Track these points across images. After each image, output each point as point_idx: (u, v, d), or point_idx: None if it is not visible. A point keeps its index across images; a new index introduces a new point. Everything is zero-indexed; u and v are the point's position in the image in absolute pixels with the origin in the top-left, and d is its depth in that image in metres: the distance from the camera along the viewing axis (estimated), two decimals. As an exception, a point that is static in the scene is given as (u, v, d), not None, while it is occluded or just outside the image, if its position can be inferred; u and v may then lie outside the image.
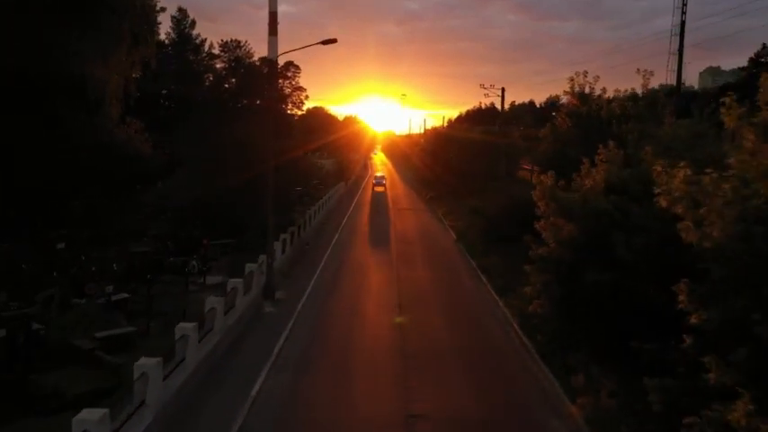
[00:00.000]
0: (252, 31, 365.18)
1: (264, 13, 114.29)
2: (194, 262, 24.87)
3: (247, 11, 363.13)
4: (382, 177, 75.37)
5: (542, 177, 18.06)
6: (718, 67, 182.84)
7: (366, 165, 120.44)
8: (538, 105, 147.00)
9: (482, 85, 53.72)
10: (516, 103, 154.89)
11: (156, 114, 59.01)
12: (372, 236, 38.75)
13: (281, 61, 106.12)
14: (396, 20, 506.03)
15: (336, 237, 37.96)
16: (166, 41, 63.97)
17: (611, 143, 17.70)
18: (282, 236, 29.59)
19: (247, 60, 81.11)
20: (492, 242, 32.47)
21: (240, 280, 20.53)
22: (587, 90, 27.06)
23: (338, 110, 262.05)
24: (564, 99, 31.87)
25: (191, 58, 68.73)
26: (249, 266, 22.75)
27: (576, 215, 16.18)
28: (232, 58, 77.39)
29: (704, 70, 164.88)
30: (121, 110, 30.89)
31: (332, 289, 25.78)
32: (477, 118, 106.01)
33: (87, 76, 26.52)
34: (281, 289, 25.02)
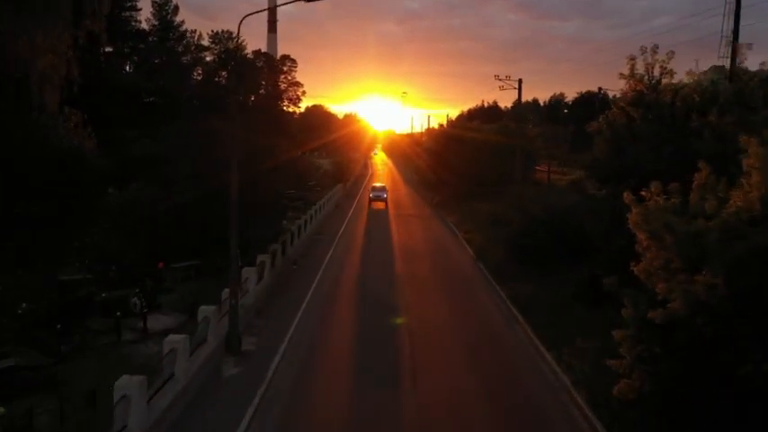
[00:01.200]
0: (252, 28, 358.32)
1: (264, 12, 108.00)
2: (135, 298, 18.14)
3: (247, 9, 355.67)
4: (383, 189, 55.53)
5: (645, 194, 11.35)
6: (723, 66, 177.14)
7: (366, 164, 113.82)
8: (542, 104, 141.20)
9: (497, 77, 46.97)
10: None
11: (134, 109, 52.63)
12: (373, 252, 31.99)
13: (279, 51, 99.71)
14: (396, 19, 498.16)
15: (330, 253, 31.21)
16: (147, 28, 57.17)
17: (751, 139, 10.99)
18: (260, 257, 22.93)
19: (239, 53, 74.46)
20: (522, 264, 25.80)
21: (181, 338, 13.80)
22: (657, 71, 20.36)
23: (338, 109, 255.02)
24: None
25: (179, 50, 62.07)
26: (204, 310, 16.04)
27: (715, 259, 9.55)
28: (222, 50, 70.63)
29: (708, 69, 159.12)
30: (60, 98, 24.12)
31: (321, 333, 19.08)
32: (480, 116, 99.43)
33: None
34: (252, 334, 18.37)
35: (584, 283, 20.94)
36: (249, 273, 20.71)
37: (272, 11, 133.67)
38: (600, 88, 53.26)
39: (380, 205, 52.35)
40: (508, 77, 47.50)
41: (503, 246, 29.71)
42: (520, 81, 47.17)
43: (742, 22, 26.06)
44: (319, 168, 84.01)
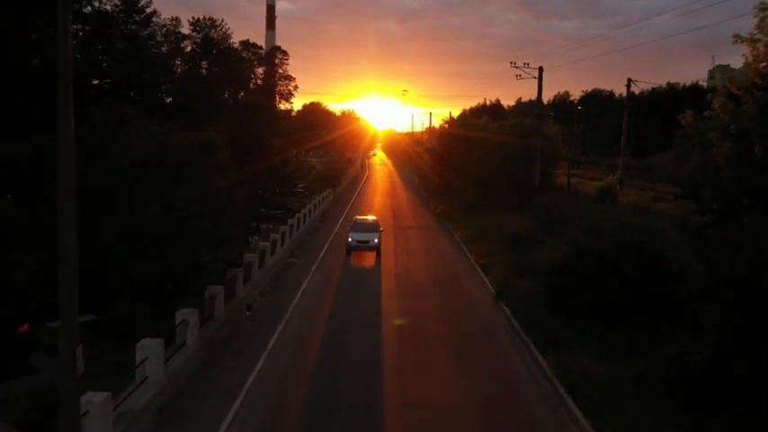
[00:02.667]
0: (250, 26, 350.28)
1: (264, 10, 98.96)
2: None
3: (248, 7, 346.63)
4: (372, 228, 29.71)
5: None
6: (728, 65, 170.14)
7: (364, 164, 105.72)
8: (545, 102, 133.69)
9: (513, 64, 38.89)
10: (522, 100, 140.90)
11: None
12: (361, 285, 23.73)
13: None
14: (396, 17, 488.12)
15: (304, 287, 23.02)
16: (109, 9, 48.72)
17: None
18: (181, 314, 14.80)
19: (224, 44, 66.04)
20: (566, 313, 17.68)
21: None
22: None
23: (338, 107, 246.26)
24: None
25: (144, 34, 53.81)
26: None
27: None
28: (203, 37, 62.41)
29: (714, 68, 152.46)
30: None
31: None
32: (483, 115, 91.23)
33: None
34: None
35: (686, 365, 12.90)
36: (151, 349, 12.60)
37: (270, 7, 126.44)
38: (629, 79, 45.01)
39: (367, 259, 28.22)
40: (527, 64, 39.45)
41: (532, 280, 21.70)
42: (540, 69, 39.21)
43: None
44: (312, 170, 76.05)
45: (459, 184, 45.76)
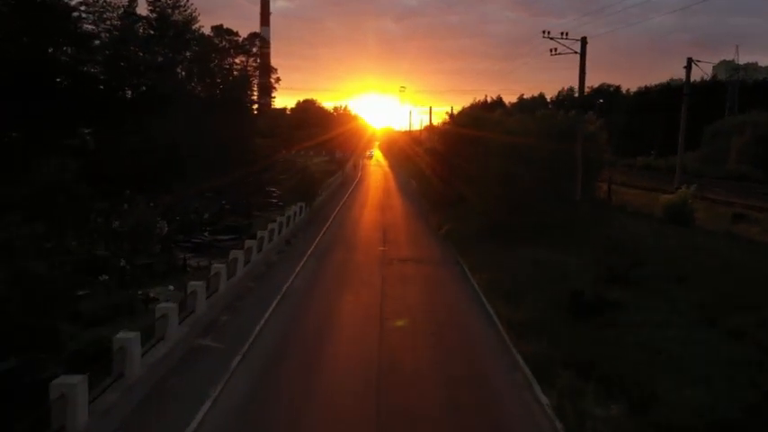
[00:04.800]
0: (249, 26, 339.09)
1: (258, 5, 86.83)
2: None
3: (246, 5, 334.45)
4: None
5: None
6: (733, 60, 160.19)
7: (357, 165, 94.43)
8: (549, 99, 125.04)
9: (546, 34, 27.72)
10: (525, 97, 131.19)
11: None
12: (312, 393, 12.54)
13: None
14: (395, 16, 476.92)
15: (201, 418, 11.73)
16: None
17: None
18: None
19: (185, 27, 54.53)
20: None
21: None
22: None
23: (331, 105, 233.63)
24: None
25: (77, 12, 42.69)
26: None
27: None
28: (158, 17, 51.11)
29: (718, 64, 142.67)
30: None
31: None
32: (495, 109, 79.84)
33: None
34: None
35: None
36: None
37: (264, 3, 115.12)
38: (690, 59, 33.71)
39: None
40: (564, 34, 28.18)
41: (625, 401, 10.60)
42: (583, 39, 28.01)
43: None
44: (294, 177, 64.43)
45: (469, 196, 34.57)
